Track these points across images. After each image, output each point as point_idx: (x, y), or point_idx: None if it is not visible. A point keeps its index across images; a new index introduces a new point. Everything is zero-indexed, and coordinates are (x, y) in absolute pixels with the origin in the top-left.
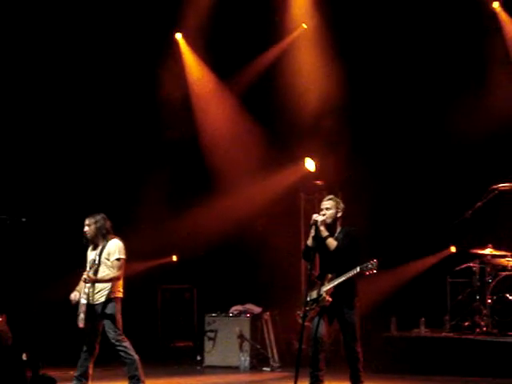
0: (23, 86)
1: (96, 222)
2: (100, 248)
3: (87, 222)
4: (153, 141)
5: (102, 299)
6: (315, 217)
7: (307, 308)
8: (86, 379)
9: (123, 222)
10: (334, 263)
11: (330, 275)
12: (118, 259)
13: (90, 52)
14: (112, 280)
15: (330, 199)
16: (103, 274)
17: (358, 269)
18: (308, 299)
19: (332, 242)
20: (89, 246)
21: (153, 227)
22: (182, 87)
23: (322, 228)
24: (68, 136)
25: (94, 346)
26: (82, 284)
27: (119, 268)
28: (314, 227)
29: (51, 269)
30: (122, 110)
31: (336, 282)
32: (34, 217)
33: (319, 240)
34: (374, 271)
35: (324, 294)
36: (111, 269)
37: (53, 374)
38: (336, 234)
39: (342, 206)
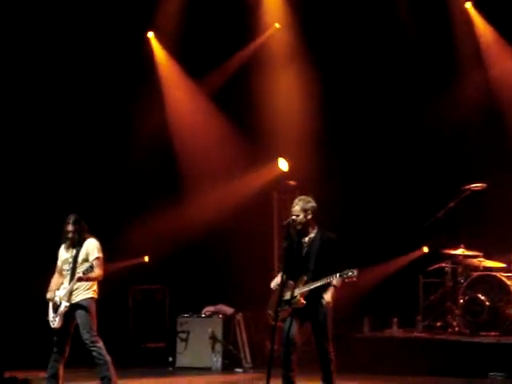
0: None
1: (81, 225)
2: (77, 248)
3: (71, 224)
4: (121, 140)
5: (77, 299)
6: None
7: (279, 308)
8: (57, 380)
9: (95, 222)
10: (311, 266)
11: (305, 277)
12: (97, 258)
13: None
14: (97, 278)
15: (296, 204)
16: (92, 274)
17: (338, 275)
18: (281, 300)
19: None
20: (62, 244)
21: (126, 227)
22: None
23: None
24: (36, 137)
25: (64, 346)
26: (54, 284)
27: (100, 266)
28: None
29: (16, 270)
30: (93, 111)
31: (313, 286)
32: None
33: (291, 241)
34: (354, 279)
35: (298, 296)
36: (94, 268)
37: (23, 375)
38: (312, 236)
39: (310, 205)
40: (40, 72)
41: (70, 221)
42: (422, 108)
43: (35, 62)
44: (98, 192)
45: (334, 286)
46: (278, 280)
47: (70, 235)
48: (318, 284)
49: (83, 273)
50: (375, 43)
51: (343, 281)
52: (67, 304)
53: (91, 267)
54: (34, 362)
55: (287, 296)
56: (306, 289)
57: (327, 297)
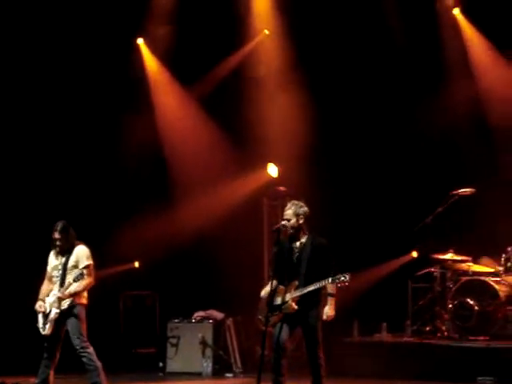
0: None
1: (69, 232)
2: (66, 255)
3: (58, 232)
4: (112, 146)
5: (67, 305)
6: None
7: (270, 313)
8: None
9: (86, 227)
10: (302, 271)
11: (296, 282)
12: (87, 266)
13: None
14: (86, 288)
15: (289, 208)
16: (75, 286)
17: (330, 280)
18: (271, 305)
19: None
20: (51, 250)
21: (116, 233)
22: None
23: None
24: (26, 143)
25: (55, 352)
26: (44, 292)
27: (89, 274)
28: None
29: (7, 276)
30: (82, 116)
31: (304, 291)
32: None
33: (281, 246)
34: (346, 284)
35: (290, 302)
36: (83, 277)
37: (13, 380)
38: (303, 241)
39: (303, 210)
40: (29, 78)
41: (58, 228)
42: (411, 113)
43: (24, 70)
44: (89, 198)
45: (333, 296)
46: (268, 289)
47: (57, 243)
48: (309, 289)
49: (74, 280)
50: (365, 50)
51: (336, 286)
52: (57, 311)
53: (81, 275)
54: (25, 368)
55: (278, 301)
56: (297, 294)
57: (330, 310)
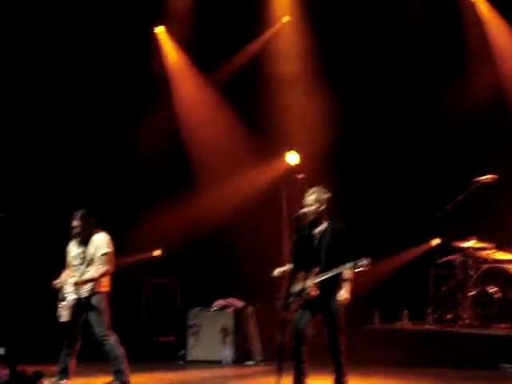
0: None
1: (87, 220)
2: (85, 243)
3: (77, 220)
4: (134, 135)
5: (87, 293)
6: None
7: (291, 300)
8: (69, 374)
9: (108, 216)
10: (322, 258)
11: (317, 269)
12: (105, 253)
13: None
14: (102, 275)
15: (311, 194)
16: (91, 272)
17: (352, 264)
18: (291, 292)
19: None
20: (72, 240)
21: (137, 222)
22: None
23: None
24: (46, 132)
25: (75, 340)
26: (63, 279)
27: (107, 262)
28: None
29: (31, 264)
30: (102, 105)
31: (324, 277)
32: (14, 211)
33: (301, 233)
34: (367, 268)
35: (310, 288)
36: (100, 264)
37: (34, 369)
38: (323, 227)
39: (325, 196)
40: (49, 67)
41: (76, 217)
42: (432, 100)
43: (42, 58)
44: (111, 187)
45: (350, 281)
46: (281, 269)
47: (76, 231)
48: (330, 274)
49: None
50: (385, 35)
51: (353, 271)
52: (75, 297)
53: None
54: (46, 356)
55: (298, 287)
56: (317, 280)
57: (345, 293)
